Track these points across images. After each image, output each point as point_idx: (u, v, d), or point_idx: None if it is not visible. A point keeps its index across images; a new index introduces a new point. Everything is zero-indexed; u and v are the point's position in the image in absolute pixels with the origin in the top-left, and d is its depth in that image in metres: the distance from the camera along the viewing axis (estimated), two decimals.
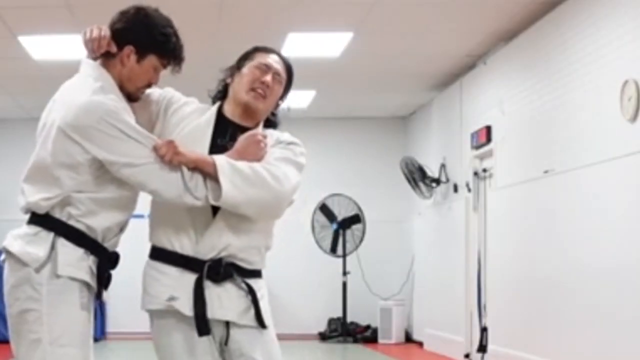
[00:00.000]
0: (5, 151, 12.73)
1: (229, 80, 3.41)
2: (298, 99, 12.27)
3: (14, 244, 3.15)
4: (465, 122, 10.27)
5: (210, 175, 3.15)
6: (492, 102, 9.28)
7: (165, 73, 3.40)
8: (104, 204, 3.15)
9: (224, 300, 3.26)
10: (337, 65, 10.16)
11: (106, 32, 3.23)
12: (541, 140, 7.98)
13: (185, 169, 3.14)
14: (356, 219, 13.17)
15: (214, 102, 3.42)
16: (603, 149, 6.72)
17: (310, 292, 13.54)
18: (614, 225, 6.55)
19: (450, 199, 10.85)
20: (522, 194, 8.45)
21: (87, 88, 3.15)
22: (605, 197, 6.68)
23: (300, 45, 9.43)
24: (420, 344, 12.14)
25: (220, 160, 3.15)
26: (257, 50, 3.49)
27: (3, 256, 3.20)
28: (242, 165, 3.17)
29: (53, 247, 3.11)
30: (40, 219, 3.14)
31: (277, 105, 3.46)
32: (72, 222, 3.12)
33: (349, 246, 13.12)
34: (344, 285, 13.05)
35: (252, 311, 3.33)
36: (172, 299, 3.21)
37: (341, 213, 13.18)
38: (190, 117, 3.35)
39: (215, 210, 3.22)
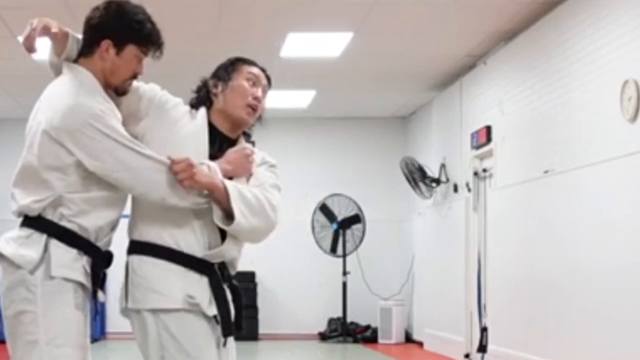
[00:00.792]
0: (5, 151, 12.73)
1: (214, 90, 3.39)
2: (298, 99, 12.28)
3: (6, 247, 3.15)
4: (465, 122, 10.27)
5: (218, 200, 3.20)
6: (492, 102, 9.28)
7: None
8: (95, 203, 3.15)
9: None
10: (337, 65, 10.16)
11: (37, 27, 3.20)
12: (541, 140, 7.98)
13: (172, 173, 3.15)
14: (356, 219, 13.17)
15: (193, 108, 3.39)
16: (603, 149, 6.72)
17: (310, 292, 13.54)
18: (614, 225, 6.55)
19: (450, 199, 10.85)
20: (522, 194, 8.45)
21: (73, 90, 3.14)
22: (605, 197, 6.68)
23: (300, 45, 9.43)
24: (420, 344, 12.13)
25: (232, 188, 3.20)
26: (241, 61, 3.44)
27: None
28: (247, 192, 3.24)
29: (46, 248, 3.10)
30: (33, 221, 3.13)
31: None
32: (64, 223, 3.12)
33: (349, 246, 13.12)
34: (344, 285, 13.05)
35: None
36: (191, 297, 3.20)
37: (341, 213, 13.18)
38: (182, 120, 3.33)
39: None
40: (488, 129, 9.35)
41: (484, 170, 9.76)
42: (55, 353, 3.09)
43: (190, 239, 3.23)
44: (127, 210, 3.34)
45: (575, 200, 7.21)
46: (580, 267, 7.08)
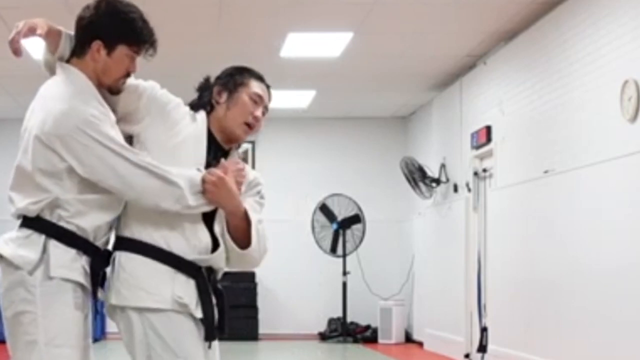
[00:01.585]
0: (5, 151, 12.73)
1: (218, 98, 3.37)
2: (298, 99, 12.28)
3: (5, 247, 3.15)
4: (465, 122, 10.27)
5: (234, 223, 3.28)
6: (492, 102, 9.28)
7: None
8: (91, 205, 3.14)
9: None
10: (337, 65, 10.16)
11: (22, 29, 3.15)
12: (541, 140, 7.98)
13: (167, 178, 3.15)
14: (356, 219, 13.17)
15: (193, 109, 3.38)
16: (603, 149, 6.72)
17: (310, 292, 13.54)
18: (613, 225, 6.55)
19: (450, 199, 10.85)
20: (522, 194, 8.45)
21: (65, 94, 3.12)
22: (605, 197, 6.68)
23: (300, 45, 9.43)
24: (420, 344, 12.13)
25: (253, 215, 3.30)
26: (249, 74, 3.42)
27: None
28: (257, 225, 3.34)
29: (45, 249, 3.10)
30: (32, 222, 3.13)
31: None
32: (62, 224, 3.11)
33: (349, 246, 13.12)
34: (344, 285, 13.05)
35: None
36: (180, 298, 3.19)
37: (341, 213, 13.18)
38: (183, 121, 3.32)
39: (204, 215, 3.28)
40: (488, 129, 9.35)
41: (484, 170, 9.76)
42: (55, 353, 3.09)
43: (181, 241, 3.23)
44: None
45: (575, 200, 7.21)
46: (580, 267, 7.08)
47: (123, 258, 3.23)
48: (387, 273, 13.31)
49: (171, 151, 3.24)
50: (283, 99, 11.68)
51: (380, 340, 12.81)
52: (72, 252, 3.13)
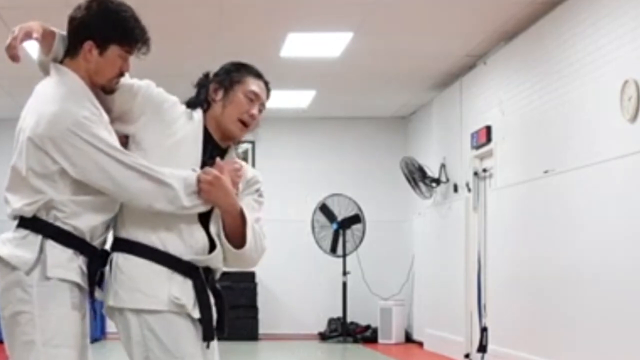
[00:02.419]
0: (5, 151, 12.73)
1: (214, 96, 3.34)
2: (298, 99, 12.28)
3: (2, 248, 3.14)
4: (465, 122, 10.27)
5: (229, 222, 3.26)
6: (492, 102, 9.28)
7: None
8: (86, 206, 3.14)
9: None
10: (337, 65, 10.16)
11: (19, 34, 3.12)
12: (541, 140, 7.98)
13: (160, 179, 3.14)
14: (356, 219, 13.17)
15: (189, 107, 3.36)
16: (603, 149, 6.72)
17: (310, 292, 13.54)
18: (613, 225, 6.54)
19: (450, 199, 10.85)
20: (522, 194, 8.45)
21: (57, 96, 3.11)
22: (605, 197, 6.68)
23: (300, 45, 9.43)
24: (420, 344, 12.13)
25: (248, 215, 3.27)
26: (246, 71, 3.39)
27: None
28: (255, 224, 3.31)
29: (42, 249, 3.10)
30: (28, 222, 3.13)
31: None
32: (58, 224, 3.11)
33: (349, 246, 13.12)
34: (344, 285, 13.05)
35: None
36: (177, 299, 3.19)
37: (341, 213, 13.18)
38: (178, 122, 3.30)
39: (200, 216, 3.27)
40: (488, 129, 9.35)
41: (484, 170, 9.76)
42: (52, 353, 3.08)
43: (178, 242, 3.22)
44: None
45: (575, 200, 7.21)
46: (580, 267, 7.08)
47: (120, 259, 3.23)
48: (387, 273, 13.31)
49: (167, 151, 3.23)
50: (283, 99, 11.68)
51: (380, 340, 12.81)
52: (69, 252, 3.12)
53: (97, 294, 3.23)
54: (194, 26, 8.68)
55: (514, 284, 8.62)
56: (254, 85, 3.37)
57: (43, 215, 3.11)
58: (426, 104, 12.35)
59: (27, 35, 3.14)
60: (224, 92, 3.34)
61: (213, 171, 3.22)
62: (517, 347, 8.43)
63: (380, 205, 13.54)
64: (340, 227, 13.12)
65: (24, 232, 3.14)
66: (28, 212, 3.12)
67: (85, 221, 3.14)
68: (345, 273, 13.04)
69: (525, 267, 8.32)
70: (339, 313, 13.17)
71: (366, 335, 13.06)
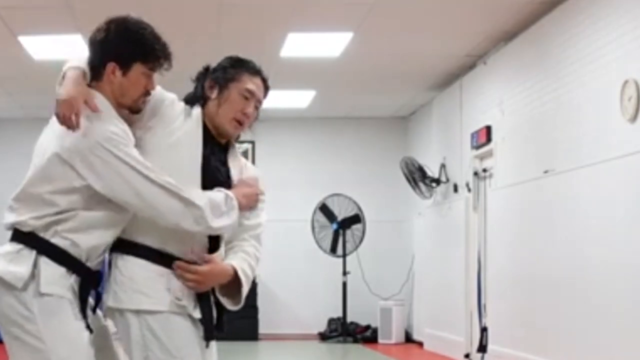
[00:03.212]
0: (5, 151, 12.73)
1: (209, 93, 3.33)
2: (298, 99, 12.28)
3: None
4: (465, 122, 10.27)
5: (225, 284, 3.30)
6: (492, 102, 9.28)
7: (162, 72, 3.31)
8: (94, 223, 3.12)
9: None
10: (337, 65, 10.16)
11: (76, 105, 3.07)
12: (541, 140, 7.98)
13: (187, 199, 3.14)
14: (356, 219, 13.17)
15: (187, 104, 3.35)
16: (603, 149, 6.72)
17: (310, 292, 13.53)
18: (613, 225, 6.54)
19: (450, 199, 10.85)
20: (522, 194, 8.45)
21: (86, 113, 3.09)
22: (605, 197, 6.68)
23: (300, 45, 9.43)
24: (420, 344, 12.13)
25: (243, 277, 3.30)
26: (243, 67, 3.35)
27: None
28: (249, 270, 3.35)
29: (35, 264, 3.07)
30: (23, 236, 3.10)
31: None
32: (55, 240, 3.08)
33: (349, 246, 13.12)
34: (344, 285, 13.05)
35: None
36: (178, 299, 3.19)
37: (341, 213, 13.18)
38: (177, 120, 3.29)
39: None
40: (488, 129, 9.35)
41: (484, 170, 9.76)
42: None
43: (178, 243, 3.22)
44: None
45: (575, 200, 7.21)
46: (580, 267, 7.08)
47: (120, 260, 3.23)
48: (387, 273, 13.31)
49: (166, 151, 3.22)
50: (283, 99, 11.68)
51: (380, 340, 12.81)
52: (62, 270, 3.09)
53: (98, 314, 3.23)
54: (194, 26, 8.68)
55: (514, 283, 8.62)
56: (250, 83, 3.33)
57: (40, 232, 3.09)
58: (426, 104, 12.35)
59: (85, 106, 3.09)
60: (218, 89, 3.32)
61: (198, 270, 3.20)
62: (517, 347, 8.43)
63: (380, 205, 13.54)
64: (340, 227, 13.12)
65: (17, 246, 3.11)
66: (30, 226, 3.08)
67: (89, 238, 3.12)
68: (345, 273, 13.04)
69: (525, 267, 8.32)
70: (339, 313, 13.17)
71: (366, 335, 13.06)
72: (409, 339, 12.84)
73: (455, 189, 10.65)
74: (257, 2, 8.05)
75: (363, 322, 13.29)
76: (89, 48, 3.21)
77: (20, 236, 3.11)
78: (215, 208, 3.18)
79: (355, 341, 12.90)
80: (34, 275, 3.06)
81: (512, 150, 8.75)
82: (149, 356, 3.18)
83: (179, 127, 3.28)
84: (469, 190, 10.07)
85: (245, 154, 12.66)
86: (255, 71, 3.37)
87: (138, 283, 3.19)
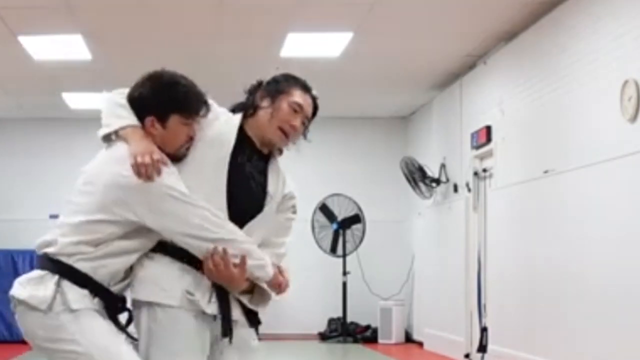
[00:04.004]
0: (5, 151, 12.73)
1: (260, 103, 3.40)
2: None
3: (22, 291, 3.17)
4: (465, 122, 10.27)
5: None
6: (492, 102, 9.29)
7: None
8: (128, 249, 3.19)
9: (232, 301, 3.36)
10: (337, 65, 10.16)
11: (158, 157, 3.18)
12: (541, 140, 7.98)
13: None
14: (356, 219, 13.17)
15: (233, 111, 3.42)
16: (603, 149, 6.72)
17: (310, 292, 13.52)
18: (613, 225, 6.55)
19: (450, 199, 10.85)
20: (522, 194, 8.45)
21: None
22: (605, 197, 6.68)
23: (300, 45, 9.43)
24: (420, 344, 12.14)
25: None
26: (294, 82, 3.51)
27: (13, 304, 3.20)
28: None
29: (59, 285, 3.12)
30: (49, 263, 3.16)
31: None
32: (79, 265, 3.13)
33: (349, 246, 13.12)
34: (344, 285, 13.05)
35: (239, 310, 3.44)
36: (190, 294, 3.22)
37: (341, 213, 13.18)
38: (214, 123, 3.35)
39: None
40: (488, 129, 9.35)
41: (484, 170, 9.76)
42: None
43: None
44: None
45: (575, 200, 7.21)
46: (580, 267, 7.08)
47: (142, 256, 3.28)
48: (387, 273, 13.31)
49: (192, 152, 3.28)
50: None
51: (380, 340, 12.81)
52: (85, 291, 3.15)
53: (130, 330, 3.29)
54: (195, 26, 8.68)
55: (514, 283, 8.62)
56: (300, 97, 3.46)
57: (65, 256, 3.14)
58: (426, 104, 12.35)
59: (161, 161, 3.18)
60: (270, 100, 3.40)
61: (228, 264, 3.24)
62: (517, 347, 8.43)
63: (380, 205, 13.54)
64: (340, 227, 13.13)
65: (41, 272, 3.17)
66: (65, 253, 3.13)
67: (114, 262, 3.18)
68: (345, 273, 13.05)
69: (525, 267, 8.33)
70: (339, 313, 13.17)
71: (366, 335, 13.07)
72: (409, 339, 12.85)
73: (455, 189, 10.65)
74: (257, 2, 8.05)
75: (363, 322, 13.29)
76: (129, 105, 3.28)
77: (46, 262, 3.17)
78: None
79: (355, 341, 12.90)
80: (57, 294, 3.12)
81: (512, 150, 8.75)
82: (150, 344, 3.23)
83: (214, 128, 3.33)
84: (469, 190, 10.08)
85: None
86: (307, 89, 3.52)
87: (153, 276, 3.24)
